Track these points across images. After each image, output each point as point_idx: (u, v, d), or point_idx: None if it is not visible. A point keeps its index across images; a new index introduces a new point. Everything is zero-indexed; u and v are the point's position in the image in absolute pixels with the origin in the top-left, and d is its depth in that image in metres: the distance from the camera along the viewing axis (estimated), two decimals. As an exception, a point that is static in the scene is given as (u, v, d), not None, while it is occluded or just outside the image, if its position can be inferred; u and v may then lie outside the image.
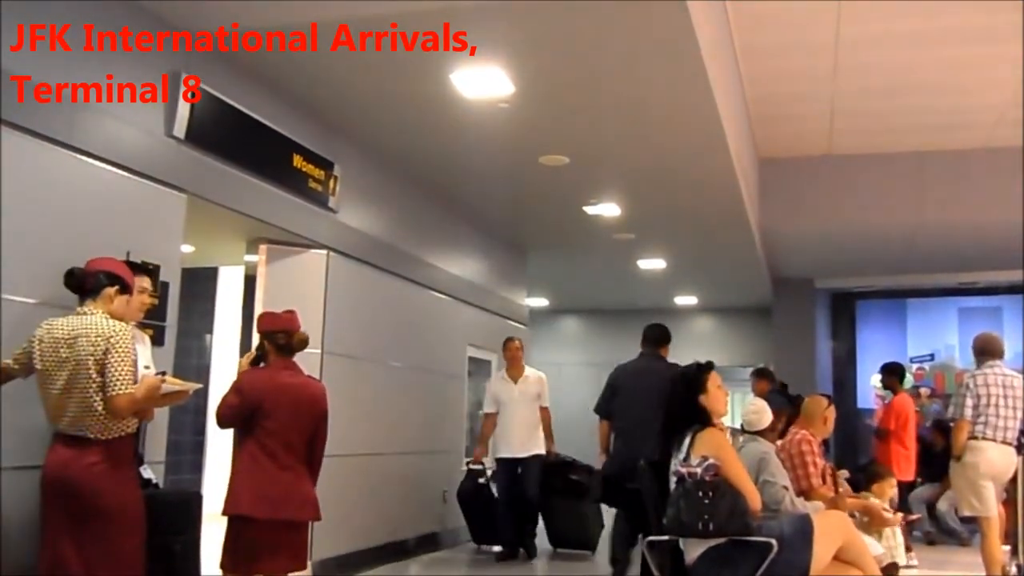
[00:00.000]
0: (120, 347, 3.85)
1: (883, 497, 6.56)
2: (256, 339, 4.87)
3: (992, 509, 6.52)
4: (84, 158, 4.67)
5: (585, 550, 8.69)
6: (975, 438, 6.60)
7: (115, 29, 4.89)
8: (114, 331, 3.87)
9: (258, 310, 6.72)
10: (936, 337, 14.07)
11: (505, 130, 7.04)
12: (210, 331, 10.40)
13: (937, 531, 10.22)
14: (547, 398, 8.59)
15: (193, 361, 9.98)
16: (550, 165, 7.88)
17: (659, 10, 5.07)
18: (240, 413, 4.49)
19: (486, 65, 5.82)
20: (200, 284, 9.77)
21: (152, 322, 5.06)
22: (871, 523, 5.91)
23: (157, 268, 5.04)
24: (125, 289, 4.11)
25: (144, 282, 4.53)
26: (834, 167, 10.45)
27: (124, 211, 4.93)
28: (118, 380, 3.81)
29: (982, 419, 6.57)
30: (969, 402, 6.63)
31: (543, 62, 5.86)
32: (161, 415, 4.71)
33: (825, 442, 6.70)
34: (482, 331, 10.22)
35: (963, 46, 7.61)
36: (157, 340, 5.06)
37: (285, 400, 4.54)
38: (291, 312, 4.85)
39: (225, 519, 4.52)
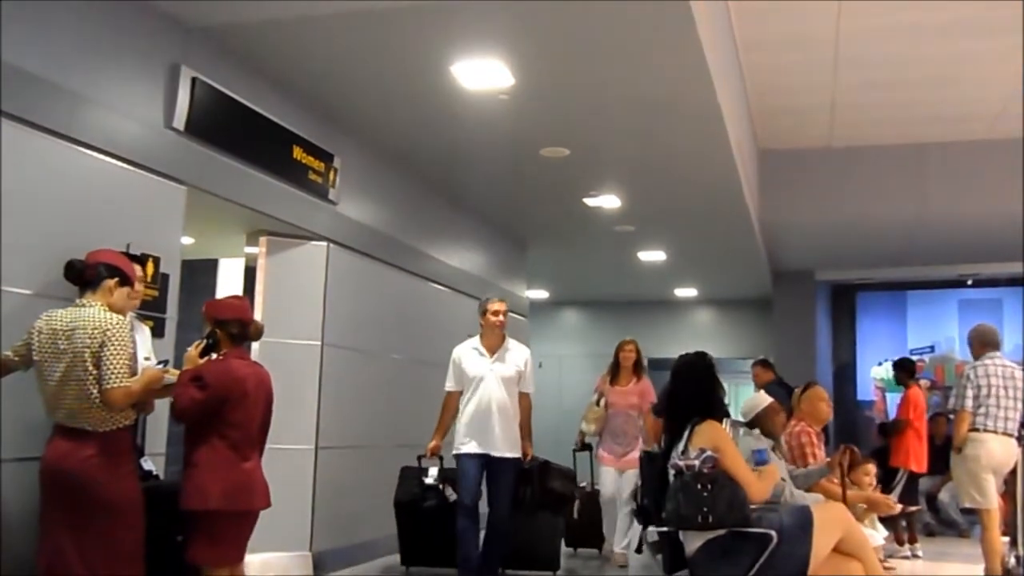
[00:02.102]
0: (117, 340, 3.85)
1: (860, 485, 6.58)
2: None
3: (993, 501, 6.51)
4: (84, 150, 4.66)
5: (547, 570, 6.98)
6: (976, 430, 6.57)
7: (115, 21, 4.88)
8: (111, 324, 3.87)
9: (259, 302, 6.73)
10: (936, 329, 14.07)
11: (505, 122, 7.03)
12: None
13: (937, 522, 10.24)
14: (532, 382, 6.49)
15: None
16: (550, 157, 7.87)
17: (660, 2, 5.05)
18: (206, 407, 4.28)
19: (486, 57, 5.81)
20: (200, 276, 9.74)
21: (152, 314, 5.06)
22: (868, 511, 5.94)
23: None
24: (125, 281, 4.11)
25: (141, 273, 4.52)
26: (835, 159, 10.43)
27: (124, 203, 4.93)
28: (114, 373, 3.81)
29: (983, 410, 6.55)
30: (970, 393, 6.61)
31: (543, 54, 5.85)
32: (162, 406, 4.69)
33: (825, 432, 6.71)
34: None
35: (964, 39, 7.60)
36: (157, 332, 5.06)
37: (246, 391, 4.42)
38: (241, 299, 4.77)
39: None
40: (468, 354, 6.40)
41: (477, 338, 6.46)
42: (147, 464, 4.63)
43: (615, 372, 8.02)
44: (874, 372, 13.54)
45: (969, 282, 13.66)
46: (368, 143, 7.56)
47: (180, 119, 5.30)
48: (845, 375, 14.41)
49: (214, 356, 4.43)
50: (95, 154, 4.74)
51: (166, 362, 4.29)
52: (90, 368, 3.80)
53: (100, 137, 4.75)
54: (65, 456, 3.80)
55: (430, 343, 8.94)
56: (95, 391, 3.80)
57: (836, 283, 14.55)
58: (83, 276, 4.01)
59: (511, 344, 6.46)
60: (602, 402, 7.90)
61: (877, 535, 5.84)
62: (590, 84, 6.33)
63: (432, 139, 7.58)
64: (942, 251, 12.23)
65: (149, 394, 4.08)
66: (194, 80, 5.38)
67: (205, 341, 4.41)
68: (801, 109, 9.55)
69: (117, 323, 3.90)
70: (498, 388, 6.24)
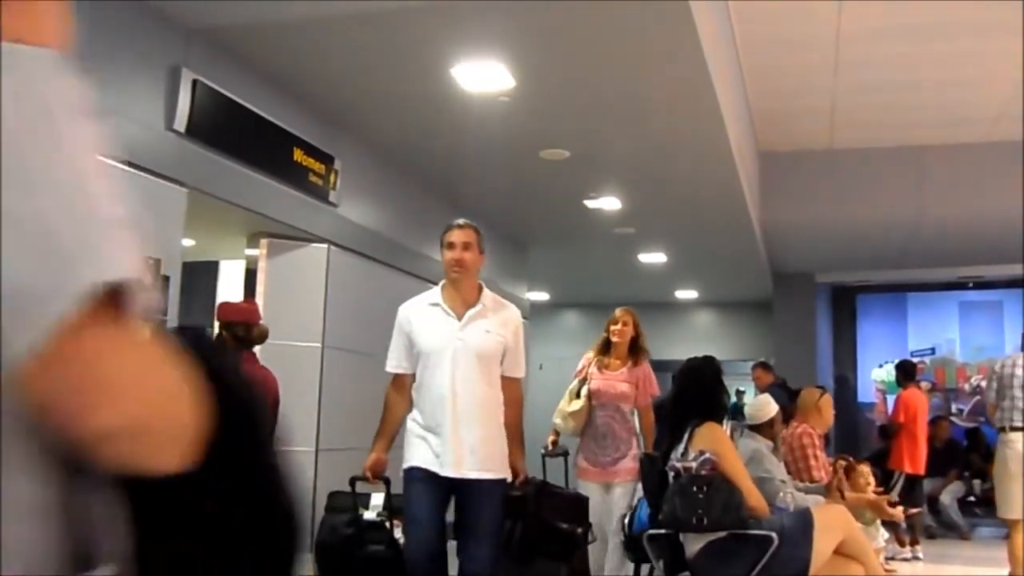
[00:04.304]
0: None
1: (861, 490, 6.54)
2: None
3: (1016, 510, 6.02)
4: (84, 152, 4.66)
5: None
6: (1003, 429, 6.14)
7: (115, 22, 4.89)
8: None
9: (259, 304, 6.73)
10: (937, 331, 14.06)
11: (505, 124, 7.03)
12: (211, 325, 10.38)
13: (938, 524, 10.24)
14: (522, 361, 4.31)
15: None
16: (550, 159, 7.87)
17: (660, 4, 5.06)
18: None
19: (487, 59, 5.82)
20: (201, 278, 9.76)
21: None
22: (875, 514, 5.93)
23: (158, 261, 5.02)
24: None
25: None
26: (835, 161, 10.43)
27: (124, 205, 4.93)
28: None
29: (1006, 404, 6.10)
30: (994, 385, 6.25)
31: (544, 56, 5.86)
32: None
33: (826, 436, 6.71)
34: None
35: (964, 41, 7.59)
36: (158, 334, 5.06)
37: None
38: (251, 302, 4.81)
39: None
40: (423, 315, 4.14)
41: (437, 290, 4.20)
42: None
43: (604, 352, 6.05)
44: (875, 374, 13.55)
45: (970, 284, 13.66)
46: (369, 145, 7.56)
47: (181, 121, 5.30)
48: (846, 377, 14.41)
49: None
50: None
51: None
52: None
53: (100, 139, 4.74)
54: None
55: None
56: None
57: (837, 285, 14.54)
58: None
59: (490, 300, 4.20)
60: (584, 391, 5.84)
61: (879, 537, 5.84)
62: (590, 86, 6.33)
63: (432, 141, 7.58)
64: (942, 253, 12.22)
65: None
66: (195, 82, 5.38)
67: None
68: (801, 111, 9.55)
69: None
70: (470, 369, 4.02)
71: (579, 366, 6.07)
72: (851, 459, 6.01)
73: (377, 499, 4.67)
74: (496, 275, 10.78)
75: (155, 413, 0.76)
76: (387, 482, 4.37)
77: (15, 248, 0.68)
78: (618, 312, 6.16)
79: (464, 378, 4.01)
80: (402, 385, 4.20)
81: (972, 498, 10.60)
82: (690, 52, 5.62)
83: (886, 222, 10.78)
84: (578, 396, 5.82)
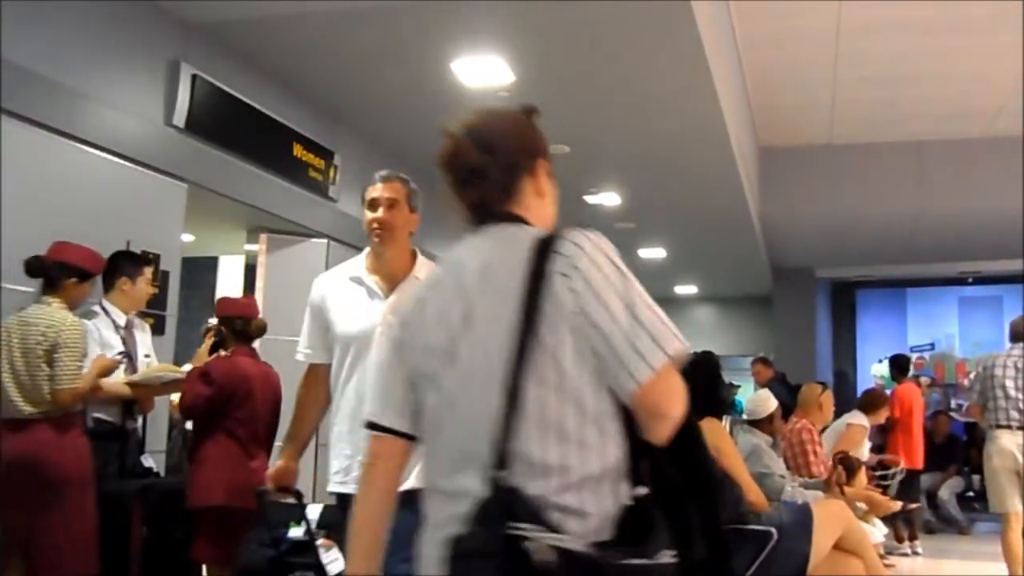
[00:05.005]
0: (69, 342, 3.87)
1: (860, 484, 6.55)
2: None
3: (1002, 504, 6.08)
4: (84, 147, 4.66)
5: None
6: (989, 427, 6.19)
7: (115, 18, 4.89)
8: (65, 326, 3.88)
9: (259, 299, 6.73)
10: (936, 326, 14.08)
11: (505, 119, 7.02)
12: (210, 320, 10.40)
13: (937, 519, 10.25)
14: None
15: (193, 350, 9.98)
16: (550, 154, 7.85)
17: (661, 0, 5.06)
18: (211, 403, 4.36)
19: (487, 54, 5.81)
20: (200, 273, 9.77)
21: (153, 311, 5.07)
22: (869, 512, 5.93)
23: (150, 256, 5.02)
24: (86, 277, 4.09)
25: (150, 272, 4.53)
26: (835, 156, 10.43)
27: (124, 200, 4.93)
28: (63, 375, 3.83)
29: (991, 404, 6.16)
30: (977, 387, 6.28)
31: (544, 51, 5.85)
32: (162, 404, 4.71)
33: (824, 429, 6.71)
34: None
35: (964, 35, 7.59)
36: (158, 329, 5.07)
37: (252, 389, 4.46)
38: (250, 297, 4.83)
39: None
40: (341, 291, 3.30)
41: (360, 259, 3.37)
42: (147, 461, 4.63)
43: None
44: (874, 369, 13.56)
45: (969, 280, 13.66)
46: (368, 140, 7.56)
47: (180, 116, 5.30)
48: (845, 372, 14.42)
49: (222, 353, 4.50)
50: (95, 151, 4.74)
51: (124, 354, 4.26)
52: (43, 366, 3.82)
53: (100, 134, 4.75)
54: (14, 442, 3.81)
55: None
56: (46, 388, 3.82)
57: (836, 280, 14.55)
58: (43, 273, 4.01)
59: (424, 269, 3.32)
60: None
61: (877, 532, 5.85)
62: (591, 81, 6.33)
63: (432, 136, 7.51)
64: (942, 249, 12.22)
65: (97, 389, 4.07)
66: (194, 77, 5.38)
67: (214, 338, 4.53)
68: (801, 106, 9.54)
69: (71, 325, 3.92)
70: None
71: None
72: (850, 458, 6.01)
73: (313, 511, 3.93)
74: (496, 270, 10.79)
75: (683, 410, 1.61)
76: (298, 496, 3.57)
77: (644, 336, 1.55)
78: None
79: None
80: (316, 378, 3.36)
81: (971, 493, 10.61)
82: (690, 47, 5.61)
83: (886, 217, 10.79)
84: None
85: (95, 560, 3.91)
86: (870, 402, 7.91)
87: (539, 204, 1.83)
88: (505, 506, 1.45)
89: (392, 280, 3.24)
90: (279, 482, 3.34)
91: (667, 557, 1.51)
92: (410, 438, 1.74)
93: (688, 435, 1.63)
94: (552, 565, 1.39)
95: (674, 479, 1.62)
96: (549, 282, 1.57)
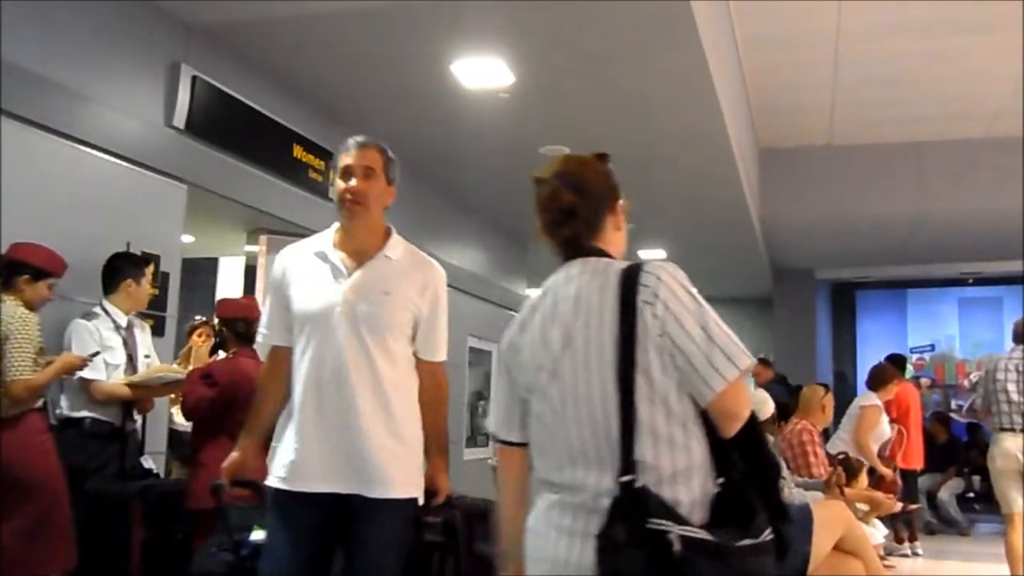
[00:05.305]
0: (18, 334, 3.87)
1: (860, 484, 6.54)
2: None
3: (1007, 505, 6.11)
4: (84, 148, 4.67)
5: None
6: (994, 429, 6.22)
7: (115, 19, 4.89)
8: (14, 319, 3.88)
9: (260, 300, 6.73)
10: (937, 327, 14.07)
11: (505, 121, 7.03)
12: (210, 321, 10.39)
13: (937, 520, 10.25)
14: (443, 340, 3.07)
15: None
16: (551, 156, 7.84)
17: (661, 1, 5.05)
18: (214, 406, 4.36)
19: (487, 55, 5.81)
20: (200, 274, 9.76)
21: (153, 312, 5.07)
22: (870, 513, 5.93)
23: (149, 257, 5.01)
24: (39, 276, 4.08)
25: (151, 273, 4.53)
26: (835, 157, 10.43)
27: (124, 201, 4.93)
28: (12, 367, 3.82)
29: (994, 407, 6.20)
30: (980, 391, 6.33)
31: (544, 53, 5.85)
32: (161, 404, 4.70)
33: (825, 431, 6.71)
34: (482, 322, 10.23)
35: (964, 36, 7.59)
36: (157, 330, 5.06)
37: (253, 390, 4.42)
38: (250, 298, 4.81)
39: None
40: (304, 266, 3.03)
41: (329, 232, 3.15)
42: (147, 463, 4.63)
43: None
44: (874, 370, 13.54)
45: (970, 280, 13.66)
46: (368, 141, 7.55)
47: (180, 117, 5.30)
48: (845, 373, 14.41)
49: (222, 354, 4.50)
50: (95, 152, 4.74)
51: (97, 353, 4.26)
52: None
53: (100, 135, 4.75)
54: None
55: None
56: None
57: (836, 281, 14.55)
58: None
59: (401, 251, 3.04)
60: None
61: (877, 533, 5.85)
62: (591, 82, 6.33)
63: (432, 137, 7.57)
64: (942, 249, 12.22)
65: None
66: (194, 78, 5.38)
67: (215, 339, 4.51)
68: (801, 107, 9.55)
69: (20, 317, 3.91)
70: (359, 346, 2.84)
71: None
72: (850, 459, 6.01)
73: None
74: (495, 271, 10.79)
75: (749, 411, 1.94)
76: (257, 490, 3.00)
77: (718, 353, 1.87)
78: None
79: (352, 357, 2.82)
80: (277, 362, 2.99)
81: (971, 494, 10.62)
82: (690, 48, 5.61)
83: (886, 218, 10.79)
84: None
85: (73, 555, 3.90)
86: (876, 378, 7.81)
87: (617, 237, 2.17)
88: (639, 505, 1.78)
89: (360, 257, 2.97)
90: (235, 475, 2.99)
91: (767, 535, 1.91)
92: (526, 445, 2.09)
93: (750, 428, 1.93)
94: (686, 552, 1.73)
95: (740, 466, 1.92)
96: (636, 310, 1.90)
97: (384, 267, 2.97)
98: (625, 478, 1.82)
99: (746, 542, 1.83)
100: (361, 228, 3.04)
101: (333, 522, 2.81)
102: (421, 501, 2.92)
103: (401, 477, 2.83)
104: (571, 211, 2.12)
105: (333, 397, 2.81)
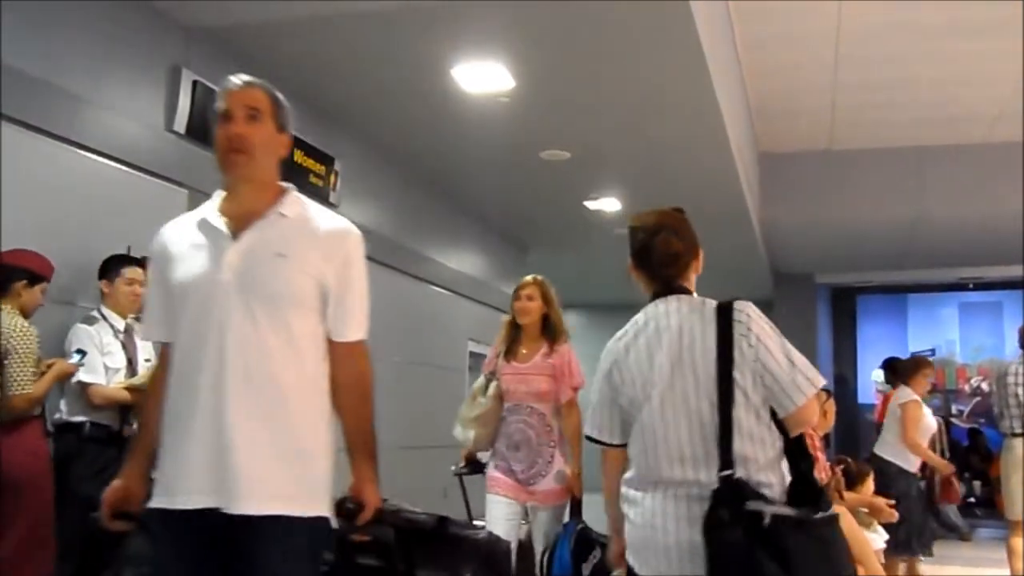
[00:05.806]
0: (20, 349, 3.88)
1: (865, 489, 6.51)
2: None
3: (1012, 511, 6.16)
4: (85, 153, 4.66)
5: None
6: (1005, 435, 6.29)
7: (116, 23, 4.89)
8: (15, 332, 3.89)
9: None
10: (937, 332, 14.07)
11: (505, 125, 7.03)
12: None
13: (938, 525, 10.22)
14: (362, 314, 2.46)
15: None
16: (551, 160, 7.86)
17: (660, 4, 5.06)
18: None
19: (487, 60, 5.82)
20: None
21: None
22: (870, 515, 5.91)
23: (145, 259, 4.99)
24: (34, 280, 4.08)
25: (136, 273, 4.50)
26: (835, 161, 10.42)
27: (125, 205, 4.92)
28: (16, 382, 3.84)
29: (1005, 412, 6.25)
30: (993, 396, 6.39)
31: (544, 57, 5.85)
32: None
33: (826, 437, 6.69)
34: (482, 326, 10.21)
35: (964, 40, 7.59)
36: (158, 334, 5.05)
37: None
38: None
39: None
40: (184, 237, 2.48)
41: (214, 198, 2.58)
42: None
43: (512, 338, 4.74)
44: (875, 375, 13.53)
45: (970, 285, 13.65)
46: (369, 146, 7.56)
47: (181, 122, 5.30)
48: (845, 378, 14.41)
49: None
50: (96, 157, 4.74)
51: (83, 353, 4.25)
52: None
53: (101, 140, 4.75)
54: None
55: (430, 345, 8.95)
56: None
57: (837, 286, 14.54)
58: None
59: (298, 209, 2.58)
60: (492, 388, 4.66)
61: (878, 538, 5.83)
62: (591, 87, 6.33)
63: (433, 142, 7.58)
64: (942, 254, 12.22)
65: (49, 386, 4.06)
66: (195, 83, 5.38)
67: None
68: (801, 111, 9.54)
69: (20, 331, 3.92)
70: (248, 323, 2.27)
71: (487, 357, 4.86)
72: (850, 464, 5.98)
73: None
74: (495, 276, 10.78)
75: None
76: (141, 524, 2.41)
77: (800, 375, 2.45)
78: (523, 282, 4.82)
79: (236, 338, 2.24)
80: (167, 367, 2.38)
81: (972, 499, 10.59)
82: (690, 52, 5.61)
83: (886, 223, 10.78)
84: (484, 394, 4.63)
85: (51, 563, 3.92)
86: (906, 371, 7.29)
87: (695, 279, 2.70)
88: (737, 492, 2.30)
89: (246, 219, 2.39)
90: (116, 507, 2.36)
91: (831, 511, 2.39)
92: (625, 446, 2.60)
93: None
94: (775, 525, 2.24)
95: (807, 459, 2.48)
96: (733, 340, 2.43)
97: (278, 226, 2.42)
98: (725, 472, 2.33)
99: (820, 515, 2.33)
100: (246, 183, 2.48)
101: (210, 547, 2.19)
102: (334, 523, 2.43)
103: (284, 489, 2.23)
104: (676, 256, 2.68)
105: (207, 389, 2.20)
